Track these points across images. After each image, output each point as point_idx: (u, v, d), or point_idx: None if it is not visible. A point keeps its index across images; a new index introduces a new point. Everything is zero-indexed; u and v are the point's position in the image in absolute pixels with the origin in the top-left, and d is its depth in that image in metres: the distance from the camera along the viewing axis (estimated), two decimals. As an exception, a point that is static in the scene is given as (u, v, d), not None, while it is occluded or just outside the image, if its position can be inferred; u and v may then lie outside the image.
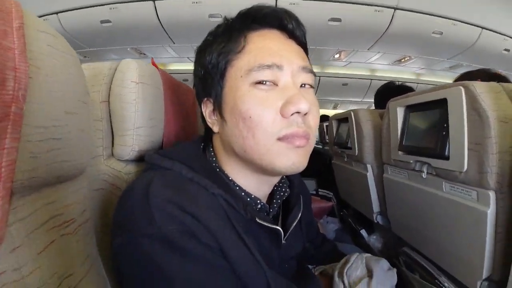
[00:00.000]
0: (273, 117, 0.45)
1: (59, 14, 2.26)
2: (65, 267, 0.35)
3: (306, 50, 0.56)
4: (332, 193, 2.03)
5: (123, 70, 0.55)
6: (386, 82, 1.75)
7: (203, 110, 0.55)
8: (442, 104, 0.77)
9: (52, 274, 0.32)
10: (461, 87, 0.69)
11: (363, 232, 1.42)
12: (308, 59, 0.55)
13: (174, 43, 2.77)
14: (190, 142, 0.56)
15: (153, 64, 0.65)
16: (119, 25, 2.35)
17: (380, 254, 1.31)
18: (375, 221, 1.29)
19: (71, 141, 0.34)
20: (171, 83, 0.68)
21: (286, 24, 0.51)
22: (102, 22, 2.30)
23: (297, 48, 0.52)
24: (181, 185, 0.43)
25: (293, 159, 0.46)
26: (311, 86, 0.52)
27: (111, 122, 0.56)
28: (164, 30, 2.45)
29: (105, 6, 2.16)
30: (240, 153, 0.49)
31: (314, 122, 0.50)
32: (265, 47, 0.48)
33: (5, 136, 0.25)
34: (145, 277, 0.37)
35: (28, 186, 0.30)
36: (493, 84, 0.68)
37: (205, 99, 0.54)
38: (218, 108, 0.51)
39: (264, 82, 0.46)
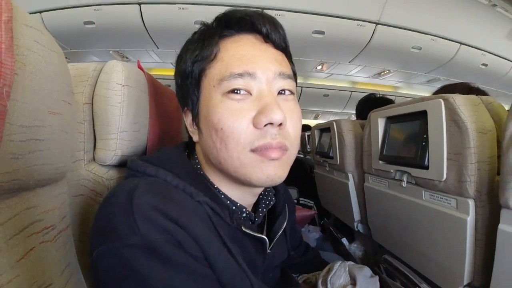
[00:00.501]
0: (245, 128, 0.43)
1: (42, 13, 2.22)
2: (44, 276, 0.33)
3: (287, 53, 0.53)
4: (313, 202, 2.04)
5: (108, 72, 0.54)
6: (366, 94, 1.80)
7: (184, 119, 0.54)
8: (422, 115, 0.79)
9: (32, 283, 0.31)
10: (441, 100, 0.71)
11: (344, 240, 1.43)
12: (292, 63, 0.54)
13: (158, 48, 2.76)
14: (174, 147, 0.54)
15: (139, 67, 0.63)
16: (103, 27, 2.33)
17: (361, 262, 1.32)
18: (356, 229, 1.31)
19: (54, 143, 0.33)
20: (156, 86, 0.67)
21: (260, 27, 0.47)
22: (85, 23, 2.27)
23: (274, 52, 0.49)
24: (166, 192, 0.41)
25: (268, 171, 0.45)
26: (291, 93, 0.50)
27: (93, 125, 0.54)
28: (149, 34, 2.43)
29: (90, 7, 2.14)
30: (217, 165, 0.48)
31: (293, 131, 0.48)
32: (237, 54, 0.46)
33: None
34: (128, 287, 0.35)
35: (8, 189, 0.28)
36: (472, 97, 0.71)
37: (185, 108, 0.53)
38: (194, 118, 0.50)
39: (237, 91, 0.44)
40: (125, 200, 0.37)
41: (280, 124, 0.44)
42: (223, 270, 0.40)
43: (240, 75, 0.44)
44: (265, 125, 0.43)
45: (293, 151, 0.48)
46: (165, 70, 3.55)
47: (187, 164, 0.51)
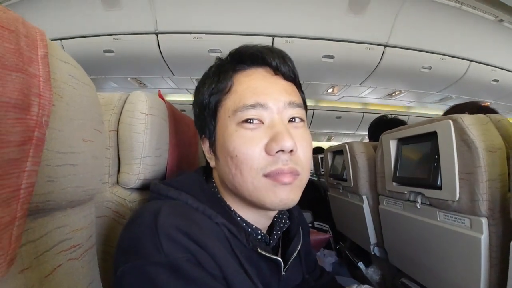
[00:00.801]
0: (257, 155, 0.46)
1: (63, 40, 2.34)
2: None
3: (296, 83, 0.56)
4: (328, 226, 2.01)
5: (133, 102, 0.58)
6: (378, 115, 1.81)
7: (202, 146, 0.58)
8: (432, 136, 0.80)
9: None
10: (449, 121, 0.73)
11: (361, 264, 1.40)
12: (302, 92, 0.57)
13: (174, 75, 2.86)
14: (193, 172, 0.57)
15: (160, 96, 0.68)
16: (122, 55, 2.43)
17: (378, 286, 1.29)
18: (372, 253, 1.28)
19: (86, 167, 0.36)
20: (175, 114, 0.71)
21: (270, 61, 0.51)
22: (105, 51, 2.39)
23: (284, 84, 0.52)
24: (188, 214, 0.44)
25: (281, 195, 0.47)
26: (301, 120, 0.52)
27: (118, 150, 0.58)
28: (165, 62, 2.53)
29: (109, 36, 2.25)
30: (233, 189, 0.51)
31: (304, 156, 0.50)
32: (250, 87, 0.49)
33: (27, 159, 0.26)
34: None
35: (43, 209, 0.31)
36: (480, 116, 0.72)
37: (203, 135, 0.56)
38: (211, 145, 0.54)
39: (250, 121, 0.47)
40: (151, 220, 0.40)
41: (291, 151, 0.46)
42: None
43: (253, 106, 0.47)
44: (277, 152, 0.46)
45: (305, 176, 0.51)
46: (180, 95, 3.66)
47: (206, 188, 0.54)
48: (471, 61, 2.67)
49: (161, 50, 2.34)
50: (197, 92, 0.56)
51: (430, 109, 4.27)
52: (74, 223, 0.38)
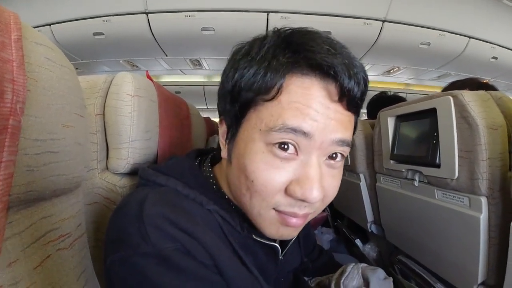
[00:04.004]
0: (276, 191, 0.40)
1: (52, 25, 2.26)
2: (60, 282, 0.34)
3: (357, 113, 0.44)
4: (326, 203, 2.02)
5: (118, 83, 0.55)
6: (375, 92, 1.78)
7: (219, 126, 0.50)
8: (431, 113, 0.78)
9: None
10: (449, 97, 0.71)
11: (358, 241, 1.42)
12: (355, 125, 0.45)
13: (166, 55, 2.79)
14: (184, 157, 0.54)
15: (148, 77, 0.65)
16: (112, 37, 2.36)
17: (375, 263, 1.31)
18: (369, 230, 1.30)
19: (68, 154, 0.34)
20: (165, 95, 0.69)
21: (341, 80, 0.37)
22: (95, 34, 2.30)
23: (344, 115, 0.40)
24: (177, 201, 0.42)
25: (283, 232, 0.44)
26: (343, 157, 0.43)
27: (105, 135, 0.56)
28: (157, 42, 2.46)
29: (98, 18, 2.17)
30: (236, 198, 0.47)
31: (325, 202, 0.44)
32: (299, 103, 0.38)
33: (3, 149, 0.24)
34: None
35: (25, 200, 0.30)
36: (481, 92, 0.70)
37: (222, 117, 0.48)
38: (228, 143, 0.46)
39: (284, 147, 0.38)
40: (136, 210, 0.38)
41: None
42: (234, 277, 0.40)
43: (294, 130, 0.37)
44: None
45: (316, 213, 0.46)
46: (174, 76, 3.59)
47: (197, 173, 0.50)
48: (470, 37, 2.61)
49: (152, 30, 2.26)
50: (229, 68, 0.44)
51: (428, 86, 4.23)
52: (60, 212, 0.37)
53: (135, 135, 0.56)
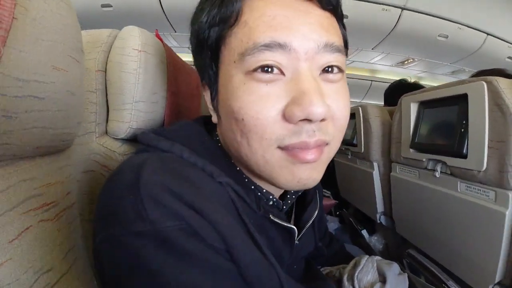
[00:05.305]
0: (272, 120, 0.34)
1: (58, -6, 2.18)
2: (43, 260, 0.28)
3: (337, 14, 0.39)
4: (329, 192, 1.98)
5: (124, 37, 0.49)
6: (387, 84, 1.72)
7: (203, 93, 0.44)
8: (461, 100, 0.74)
9: (27, 268, 0.26)
10: (483, 82, 0.67)
11: (364, 232, 1.38)
12: (343, 27, 0.41)
13: (175, 31, 2.71)
14: (192, 121, 0.46)
15: (158, 36, 0.58)
16: (120, 9, 2.28)
17: (381, 255, 1.26)
18: (378, 221, 1.25)
19: (58, 103, 0.28)
20: (175, 59, 0.61)
21: None
22: (102, 6, 2.23)
23: (320, 14, 0.36)
24: (182, 170, 0.34)
25: (300, 175, 0.36)
26: (340, 70, 0.37)
27: (106, 94, 0.49)
28: (166, 17, 2.38)
29: (107, -12, 2.08)
30: (238, 158, 0.40)
31: (339, 123, 0.38)
32: (265, 16, 0.33)
33: None
34: (132, 282, 0.28)
35: (1, 155, 0.24)
36: None
37: (203, 81, 0.43)
38: (213, 98, 0.41)
39: (266, 69, 0.33)
40: (132, 178, 0.31)
41: (322, 119, 0.34)
42: (249, 265, 0.32)
43: (268, 46, 0.33)
44: (301, 120, 0.33)
45: (335, 145, 0.39)
46: (183, 54, 3.51)
47: (206, 139, 0.43)
48: (488, 34, 2.56)
49: (161, 3, 2.19)
50: (194, 20, 0.40)
51: (440, 81, 4.14)
52: (45, 175, 0.31)
53: (139, 95, 0.49)
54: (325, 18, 0.36)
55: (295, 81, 0.34)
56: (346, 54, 0.40)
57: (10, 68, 0.22)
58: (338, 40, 0.36)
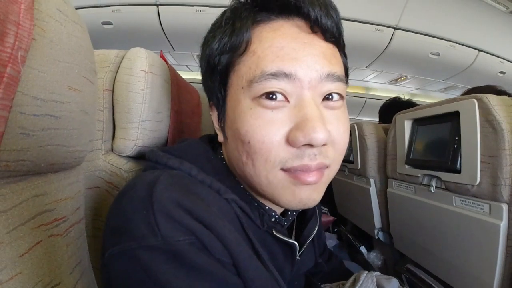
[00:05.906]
0: (277, 144, 0.36)
1: (59, 11, 2.23)
2: (51, 274, 0.29)
3: (339, 45, 0.42)
4: (327, 209, 1.98)
5: (132, 58, 0.51)
6: (381, 101, 1.75)
7: (211, 113, 0.47)
8: (453, 117, 0.76)
9: (36, 282, 0.27)
10: (474, 100, 0.69)
11: (363, 248, 1.37)
12: (344, 56, 0.44)
13: (174, 49, 2.75)
14: (197, 139, 0.48)
15: (162, 57, 0.60)
16: (120, 27, 2.32)
17: (380, 271, 1.26)
18: (376, 237, 1.25)
19: (72, 122, 0.30)
20: (178, 78, 0.64)
21: (307, 11, 0.36)
22: (103, 23, 2.26)
23: (323, 46, 0.38)
24: (192, 187, 0.36)
25: (301, 196, 0.38)
26: (341, 97, 0.40)
27: (113, 113, 0.50)
28: (165, 35, 2.42)
29: (108, 7, 2.13)
30: (242, 177, 0.42)
31: (339, 147, 0.40)
32: (273, 47, 0.36)
33: None
34: None
35: (15, 171, 0.25)
36: (505, 97, 0.69)
37: (211, 102, 0.45)
38: (220, 119, 0.43)
39: (272, 96, 0.36)
40: (145, 194, 0.32)
41: (323, 144, 0.36)
42: (254, 279, 0.34)
43: (274, 75, 0.35)
44: (303, 145, 0.35)
45: (335, 168, 0.41)
46: (180, 72, 3.54)
47: (213, 158, 0.45)
48: (479, 50, 2.61)
49: (161, 23, 2.22)
50: (205, 45, 0.43)
51: (433, 98, 4.20)
52: (57, 191, 0.32)
53: (146, 115, 0.50)
54: (328, 49, 0.39)
55: (299, 108, 0.36)
56: (347, 82, 0.42)
57: (29, 88, 0.24)
58: (339, 70, 0.39)
